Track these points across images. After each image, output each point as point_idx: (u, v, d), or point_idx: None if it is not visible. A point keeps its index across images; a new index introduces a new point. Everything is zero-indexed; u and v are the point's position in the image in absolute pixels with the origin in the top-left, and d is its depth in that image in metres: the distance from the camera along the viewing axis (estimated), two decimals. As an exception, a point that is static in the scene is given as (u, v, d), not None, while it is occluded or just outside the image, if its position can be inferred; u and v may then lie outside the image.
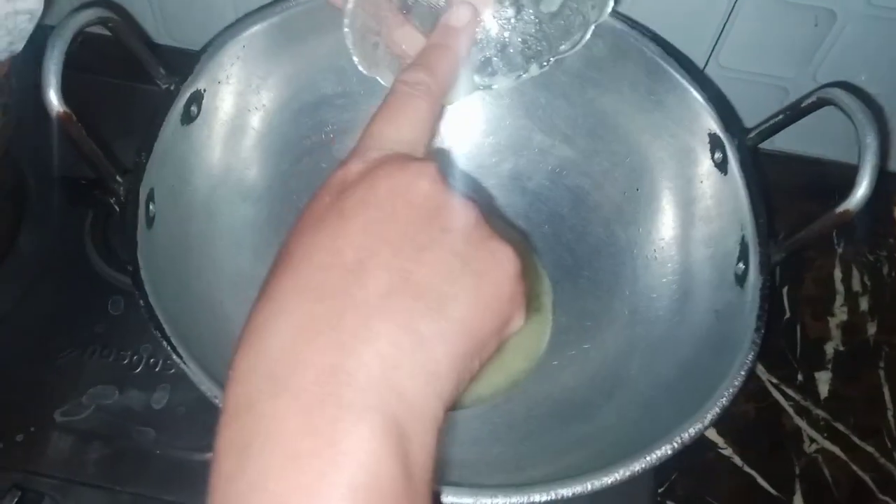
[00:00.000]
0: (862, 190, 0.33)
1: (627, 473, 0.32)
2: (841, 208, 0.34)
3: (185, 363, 0.33)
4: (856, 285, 0.56)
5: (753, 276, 0.38)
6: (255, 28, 0.44)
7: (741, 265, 0.39)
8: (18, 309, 0.50)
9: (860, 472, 0.49)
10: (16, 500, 0.42)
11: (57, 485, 0.44)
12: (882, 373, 0.53)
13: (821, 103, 0.37)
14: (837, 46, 0.51)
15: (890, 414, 0.52)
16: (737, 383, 0.34)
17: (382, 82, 0.37)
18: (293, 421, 0.21)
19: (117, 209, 0.38)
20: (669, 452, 0.32)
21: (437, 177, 0.26)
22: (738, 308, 0.38)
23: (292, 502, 0.20)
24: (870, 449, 0.50)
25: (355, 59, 0.36)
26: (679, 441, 0.33)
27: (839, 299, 0.55)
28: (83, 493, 0.44)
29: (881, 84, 0.53)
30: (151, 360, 0.49)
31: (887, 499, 0.49)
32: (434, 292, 0.24)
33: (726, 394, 0.34)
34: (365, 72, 0.37)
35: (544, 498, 0.31)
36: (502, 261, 0.26)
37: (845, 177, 0.58)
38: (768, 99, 0.56)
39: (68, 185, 0.54)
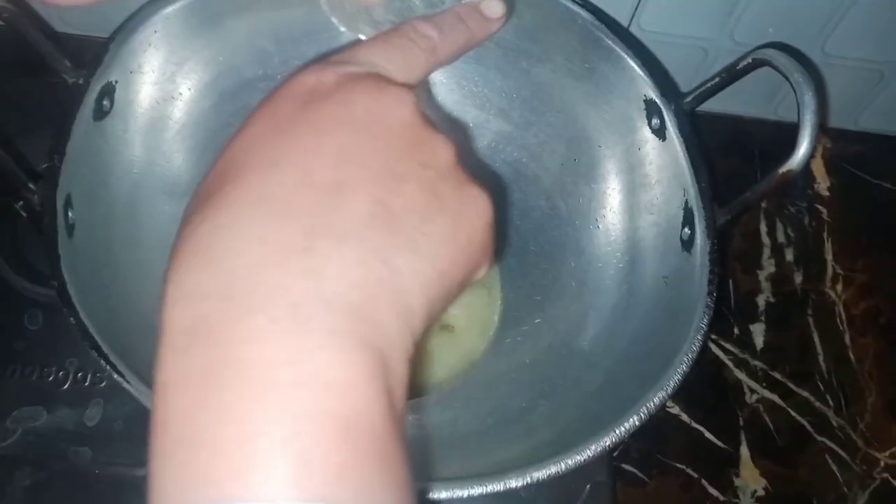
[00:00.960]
0: (803, 149, 0.34)
1: (599, 448, 0.32)
2: (784, 168, 0.35)
3: (126, 381, 0.31)
4: (780, 237, 0.58)
5: (701, 241, 0.38)
6: (168, 10, 0.41)
7: (687, 230, 0.39)
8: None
9: (799, 418, 0.52)
10: (-57, 541, 0.39)
11: (-11, 519, 0.41)
12: (811, 320, 0.55)
13: (756, 64, 0.37)
14: (752, 7, 0.52)
15: (821, 359, 0.54)
16: (695, 347, 0.35)
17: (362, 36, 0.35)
18: (269, 347, 0.19)
19: (27, 216, 0.35)
20: (637, 423, 0.33)
21: (418, 107, 0.25)
22: (686, 273, 0.38)
23: (273, 435, 0.18)
24: (805, 394, 0.52)
25: (331, 15, 0.34)
26: (645, 411, 0.33)
27: (766, 252, 0.57)
28: (18, 524, 0.41)
29: (794, 40, 0.55)
30: (79, 375, 0.45)
31: (824, 439, 0.51)
32: (410, 227, 0.22)
33: (685, 359, 0.34)
34: (343, 28, 0.34)
35: (520, 483, 0.30)
36: (478, 206, 0.25)
37: (763, 133, 0.62)
38: (690, 60, 0.56)
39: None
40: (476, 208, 0.25)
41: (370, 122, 0.23)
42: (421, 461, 0.35)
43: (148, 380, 0.32)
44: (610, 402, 0.36)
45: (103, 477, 0.43)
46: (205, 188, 0.23)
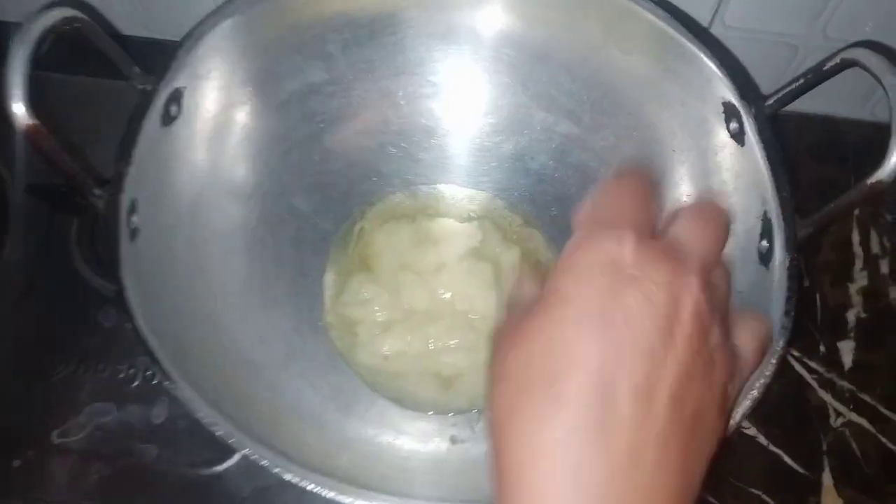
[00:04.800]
0: (895, 158, 0.31)
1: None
2: (873, 179, 0.32)
3: (176, 388, 0.31)
4: (875, 248, 0.54)
5: (779, 254, 0.35)
6: (236, 17, 0.41)
7: (765, 242, 0.37)
8: (6, 326, 0.48)
9: (889, 444, 0.48)
10: (17, 529, 0.41)
11: (59, 510, 0.43)
12: (907, 338, 0.51)
13: (844, 65, 0.34)
14: (847, 1, 0.49)
15: (917, 380, 0.50)
16: (768, 373, 0.32)
17: None
18: None
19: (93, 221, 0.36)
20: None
21: (704, 296, 0.25)
22: (763, 289, 0.36)
23: None
24: (897, 418, 0.49)
25: None
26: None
27: (858, 263, 0.53)
28: (86, 517, 0.43)
29: (892, 35, 0.51)
30: (148, 373, 0.47)
31: (918, 469, 0.47)
32: (700, 432, 0.25)
33: (758, 384, 0.32)
34: None
35: None
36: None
37: (859, 135, 0.57)
38: (777, 58, 0.53)
39: (50, 192, 0.51)
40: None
41: (669, 314, 0.24)
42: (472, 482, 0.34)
43: (205, 391, 0.32)
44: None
45: (167, 475, 0.44)
46: (523, 370, 0.24)
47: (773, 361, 0.32)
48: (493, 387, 0.25)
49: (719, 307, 0.26)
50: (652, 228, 0.27)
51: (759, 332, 0.29)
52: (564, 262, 0.26)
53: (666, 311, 0.24)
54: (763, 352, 0.29)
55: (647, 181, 0.29)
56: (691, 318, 0.24)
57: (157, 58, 0.39)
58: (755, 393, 0.32)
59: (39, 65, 0.56)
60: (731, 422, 0.31)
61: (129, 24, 0.57)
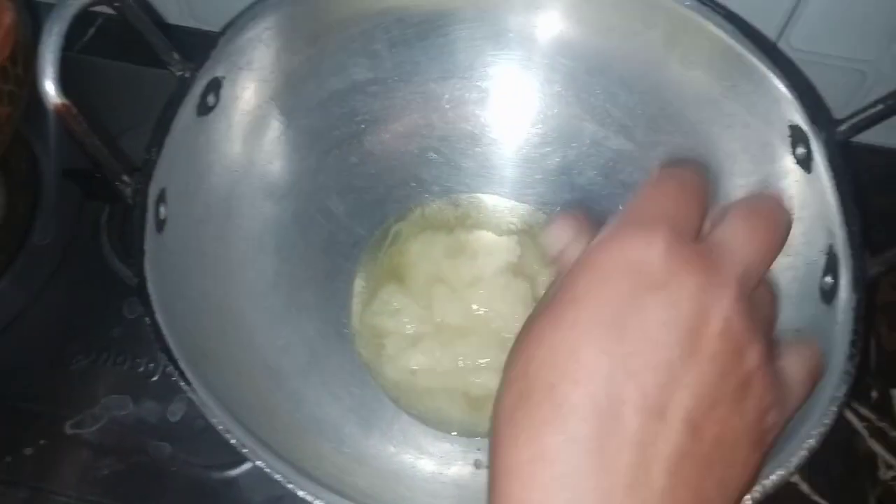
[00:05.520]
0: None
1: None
2: (957, 218, 0.29)
3: (192, 390, 0.29)
4: (938, 289, 0.51)
5: (845, 293, 0.33)
6: (280, 9, 0.40)
7: (828, 279, 0.34)
8: (30, 309, 0.47)
9: (943, 503, 0.44)
10: (23, 519, 0.40)
11: (67, 503, 0.41)
12: (967, 389, 0.48)
13: (928, 93, 0.31)
14: (926, 25, 0.46)
15: (976, 437, 0.46)
16: (827, 421, 0.30)
17: None
18: None
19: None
20: (749, 502, 0.28)
21: (740, 310, 0.23)
22: (824, 329, 0.33)
23: None
24: (954, 477, 0.45)
25: None
26: (760, 489, 0.28)
27: (919, 306, 0.50)
28: (94, 512, 0.41)
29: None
30: (168, 368, 0.45)
31: (973, 533, 0.44)
32: (720, 459, 0.22)
33: (815, 434, 0.29)
34: None
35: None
36: (773, 418, 0.24)
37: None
38: (844, 85, 0.50)
39: (83, 177, 0.50)
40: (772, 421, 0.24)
41: (694, 327, 0.22)
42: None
43: (223, 396, 0.31)
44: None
45: (180, 475, 0.42)
46: (531, 374, 0.22)
47: (834, 409, 0.30)
48: (501, 388, 0.23)
49: (762, 325, 0.24)
50: (696, 229, 0.25)
51: (809, 361, 0.27)
52: (584, 259, 0.23)
53: (691, 323, 0.22)
54: (813, 383, 0.27)
55: (698, 175, 0.26)
56: (720, 333, 0.22)
57: (202, 50, 0.38)
58: (812, 442, 0.29)
59: (86, 49, 0.56)
60: (784, 472, 0.29)
61: (178, 14, 0.56)
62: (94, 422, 0.44)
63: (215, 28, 0.55)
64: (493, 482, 0.22)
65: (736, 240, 0.24)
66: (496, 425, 0.23)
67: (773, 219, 0.26)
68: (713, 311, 0.22)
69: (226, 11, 0.39)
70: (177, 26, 0.57)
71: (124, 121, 0.50)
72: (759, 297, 0.25)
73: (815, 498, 0.44)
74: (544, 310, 0.23)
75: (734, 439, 0.22)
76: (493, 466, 0.22)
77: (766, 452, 0.24)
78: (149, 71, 0.52)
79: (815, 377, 0.27)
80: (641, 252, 0.22)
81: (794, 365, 0.26)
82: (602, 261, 0.23)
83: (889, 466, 0.45)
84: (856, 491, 0.45)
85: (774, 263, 0.38)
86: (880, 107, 0.33)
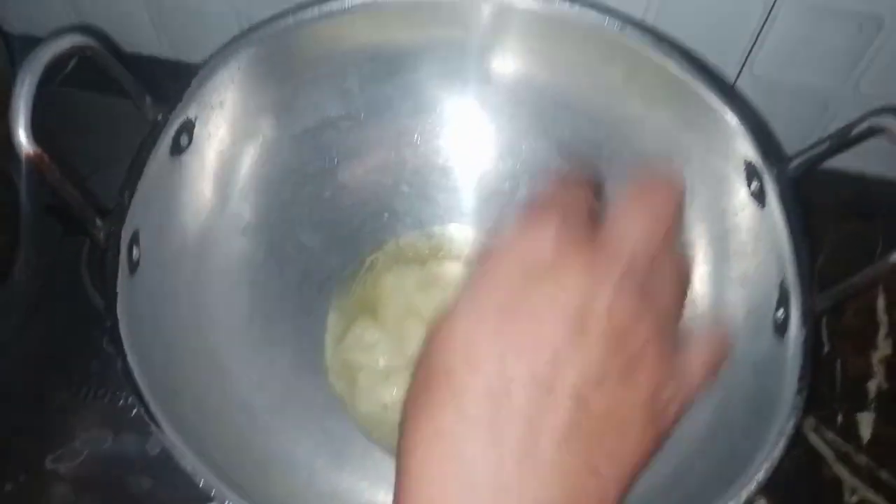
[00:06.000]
0: (922, 236, 0.29)
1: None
2: (895, 257, 0.30)
3: (162, 432, 0.30)
4: (900, 315, 0.52)
5: (795, 328, 0.34)
6: (252, 49, 0.41)
7: (781, 312, 0.35)
8: (11, 344, 0.48)
9: (906, 526, 0.45)
10: (1, 557, 0.40)
11: (47, 538, 0.42)
12: (931, 413, 0.49)
13: (872, 132, 0.33)
14: (883, 55, 0.47)
15: (940, 459, 0.47)
16: (776, 454, 0.31)
17: None
18: None
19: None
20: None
21: (627, 292, 0.24)
22: (777, 361, 0.34)
23: None
24: (918, 498, 0.46)
25: None
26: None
27: (882, 331, 0.51)
28: (73, 549, 0.42)
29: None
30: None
31: (937, 554, 0.45)
32: (610, 431, 0.23)
33: (763, 468, 0.30)
34: None
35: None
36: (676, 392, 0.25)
37: (889, 196, 0.56)
38: (807, 111, 0.52)
39: (63, 213, 0.51)
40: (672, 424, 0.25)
41: (582, 311, 0.23)
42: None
43: (197, 439, 0.32)
44: (672, 500, 0.33)
45: (159, 510, 0.43)
46: (432, 363, 0.24)
47: (782, 444, 0.31)
48: (411, 379, 0.25)
49: (654, 303, 0.25)
50: (586, 216, 0.26)
51: (710, 344, 0.27)
52: (484, 253, 0.25)
53: (578, 307, 0.23)
54: (713, 367, 0.27)
55: (586, 175, 0.28)
56: (606, 311, 0.23)
57: (181, 79, 0.39)
58: (760, 476, 0.30)
59: (66, 81, 0.57)
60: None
61: (155, 44, 0.57)
62: (75, 456, 0.44)
63: (190, 59, 0.57)
64: (397, 462, 0.24)
65: (623, 222, 0.25)
66: (403, 412, 0.24)
67: (659, 198, 0.26)
68: (599, 291, 0.23)
69: (200, 42, 0.40)
70: (151, 57, 0.58)
71: (104, 153, 0.50)
72: (659, 276, 0.25)
73: (782, 523, 0.45)
74: (452, 306, 0.25)
75: (625, 414, 0.23)
76: (398, 449, 0.24)
77: (665, 429, 0.25)
78: (123, 102, 0.52)
79: (717, 361, 0.27)
80: (533, 246, 0.24)
81: (694, 347, 0.26)
82: (500, 258, 0.24)
83: (854, 490, 0.46)
84: (822, 515, 0.45)
85: (733, 294, 0.39)
86: (826, 144, 0.34)
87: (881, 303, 0.52)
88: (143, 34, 0.56)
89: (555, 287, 0.23)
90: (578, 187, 0.27)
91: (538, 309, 0.23)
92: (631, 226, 0.25)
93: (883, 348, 0.50)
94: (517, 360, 0.23)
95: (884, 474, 0.46)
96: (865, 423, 0.48)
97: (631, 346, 0.23)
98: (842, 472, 0.46)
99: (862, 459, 0.47)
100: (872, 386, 0.49)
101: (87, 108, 0.56)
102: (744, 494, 0.30)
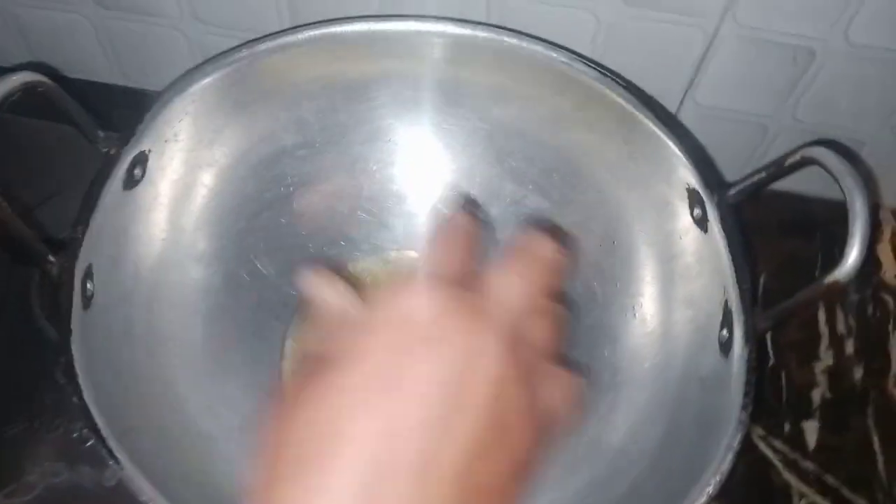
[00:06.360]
0: (852, 259, 0.31)
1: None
2: (830, 279, 0.32)
3: (121, 468, 0.30)
4: (841, 327, 0.54)
5: (738, 347, 0.35)
6: (206, 80, 0.41)
7: (725, 332, 0.37)
8: (-40, 378, 0.47)
9: (852, 529, 0.47)
10: None
11: (0, 577, 0.41)
12: (871, 420, 0.51)
13: (805, 162, 0.34)
14: (817, 83, 0.49)
15: (880, 463, 0.50)
16: (724, 468, 0.32)
17: None
18: None
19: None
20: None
21: (507, 359, 0.23)
22: (723, 379, 0.36)
23: None
24: (861, 502, 0.48)
25: None
26: (663, 538, 0.30)
27: (824, 342, 0.53)
28: (29, 586, 0.41)
29: (861, 119, 0.52)
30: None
31: (880, 556, 0.46)
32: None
33: (713, 481, 0.32)
34: None
35: None
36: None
37: (829, 213, 0.58)
38: (747, 137, 0.54)
39: (11, 242, 0.50)
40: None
41: (459, 389, 0.22)
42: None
43: (154, 472, 0.32)
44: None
45: (116, 543, 0.42)
46: (297, 436, 0.22)
47: (730, 458, 0.32)
48: (265, 447, 0.23)
49: (531, 363, 0.25)
50: (467, 278, 0.25)
51: (565, 389, 0.27)
52: (363, 319, 0.24)
53: (458, 376, 0.22)
54: (568, 408, 0.27)
55: (471, 224, 0.28)
56: (485, 385, 0.22)
57: (133, 105, 0.39)
58: (710, 490, 0.32)
59: (14, 108, 0.56)
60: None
61: (108, 72, 0.57)
62: (29, 491, 0.44)
63: (142, 85, 0.56)
64: None
65: (506, 284, 0.25)
66: (258, 487, 0.22)
67: (538, 256, 0.27)
68: (479, 364, 0.23)
69: (155, 70, 0.40)
70: (103, 84, 0.57)
71: (53, 181, 0.50)
72: (534, 328, 0.25)
73: (734, 530, 0.47)
74: (321, 369, 0.23)
75: (498, 483, 0.23)
76: None
77: (525, 481, 0.25)
78: (61, 129, 0.52)
79: (571, 403, 0.27)
80: (413, 306, 0.23)
81: (552, 391, 0.26)
82: (378, 318, 0.24)
83: (802, 495, 0.48)
84: (772, 521, 0.47)
85: (679, 315, 0.41)
86: (763, 174, 0.36)
87: (822, 315, 0.54)
88: (94, 62, 0.56)
89: (434, 358, 0.22)
90: (464, 240, 0.27)
91: (421, 380, 0.22)
92: (516, 284, 0.25)
93: (825, 359, 0.52)
94: (399, 439, 0.21)
95: (829, 479, 0.48)
96: (811, 431, 0.50)
97: (507, 417, 0.23)
98: (790, 478, 0.48)
99: (808, 465, 0.48)
100: (816, 395, 0.51)
101: (35, 136, 0.55)
102: (691, 511, 0.31)
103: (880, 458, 0.50)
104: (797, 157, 0.34)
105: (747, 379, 0.34)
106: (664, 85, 0.50)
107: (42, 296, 0.49)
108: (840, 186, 0.32)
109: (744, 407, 0.33)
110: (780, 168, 0.35)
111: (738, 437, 0.33)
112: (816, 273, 0.55)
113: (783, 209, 0.57)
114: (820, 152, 0.33)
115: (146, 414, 0.36)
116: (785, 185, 0.56)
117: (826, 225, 0.57)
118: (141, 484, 0.30)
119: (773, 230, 0.56)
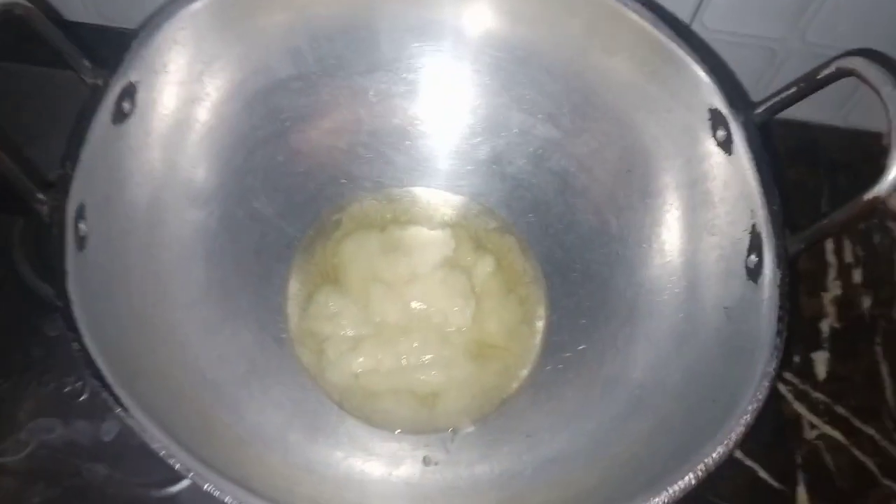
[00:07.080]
0: (894, 173, 0.30)
1: (649, 507, 0.29)
2: (870, 194, 0.30)
3: (129, 414, 0.28)
4: (848, 257, 0.53)
5: (769, 271, 0.34)
6: (196, 5, 0.38)
7: (753, 257, 0.35)
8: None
9: (862, 457, 0.47)
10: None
11: (-2, 536, 0.40)
12: (879, 349, 0.51)
13: (840, 74, 0.33)
14: (828, 5, 0.48)
15: (889, 392, 0.49)
16: (761, 396, 0.31)
17: None
18: None
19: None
20: (693, 482, 0.29)
21: None
22: (752, 306, 0.35)
23: None
24: (870, 431, 0.48)
25: None
26: (703, 468, 0.29)
27: (832, 273, 0.53)
28: (28, 543, 0.39)
29: (872, 42, 0.50)
30: (103, 395, 0.43)
31: (889, 483, 0.47)
32: None
33: (750, 409, 0.31)
34: None
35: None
36: None
37: (832, 141, 0.57)
38: (756, 62, 0.52)
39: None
40: None
41: None
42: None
43: (160, 417, 0.30)
44: (660, 449, 0.33)
45: (117, 496, 0.41)
46: None
47: (766, 385, 0.31)
48: None
49: None
50: None
51: None
52: None
53: None
54: None
55: None
56: None
57: (113, 49, 0.36)
58: (748, 418, 0.31)
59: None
60: (724, 448, 0.30)
61: (82, 10, 0.53)
62: (21, 448, 0.42)
63: (122, 25, 0.53)
64: None
65: None
66: None
67: None
68: None
69: (133, 8, 0.37)
70: (80, 24, 0.54)
71: (34, 127, 0.47)
72: None
73: (748, 462, 0.46)
74: None
75: None
76: None
77: None
78: (58, 73, 0.49)
79: None
80: None
81: None
82: None
83: (813, 426, 0.48)
84: (784, 452, 0.47)
85: (702, 243, 0.40)
86: (794, 89, 0.35)
87: (829, 245, 0.53)
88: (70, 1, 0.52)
89: None
90: None
91: None
92: None
93: (833, 289, 0.52)
94: None
95: (840, 409, 0.48)
96: (821, 362, 0.49)
97: None
98: (801, 409, 0.48)
99: (819, 397, 0.48)
100: (825, 326, 0.51)
101: (19, 80, 0.52)
102: (733, 438, 0.30)
103: (889, 387, 0.49)
104: (831, 68, 0.33)
105: (781, 304, 0.33)
106: (672, 8, 0.48)
107: (26, 246, 0.47)
108: (880, 97, 0.30)
109: (778, 333, 0.32)
110: (812, 81, 0.34)
111: (774, 364, 0.32)
112: (822, 201, 0.55)
113: (787, 137, 0.56)
114: (858, 62, 0.31)
115: (148, 360, 0.34)
116: (788, 113, 0.56)
117: (831, 153, 0.57)
118: (151, 431, 0.28)
119: (776, 158, 0.55)
